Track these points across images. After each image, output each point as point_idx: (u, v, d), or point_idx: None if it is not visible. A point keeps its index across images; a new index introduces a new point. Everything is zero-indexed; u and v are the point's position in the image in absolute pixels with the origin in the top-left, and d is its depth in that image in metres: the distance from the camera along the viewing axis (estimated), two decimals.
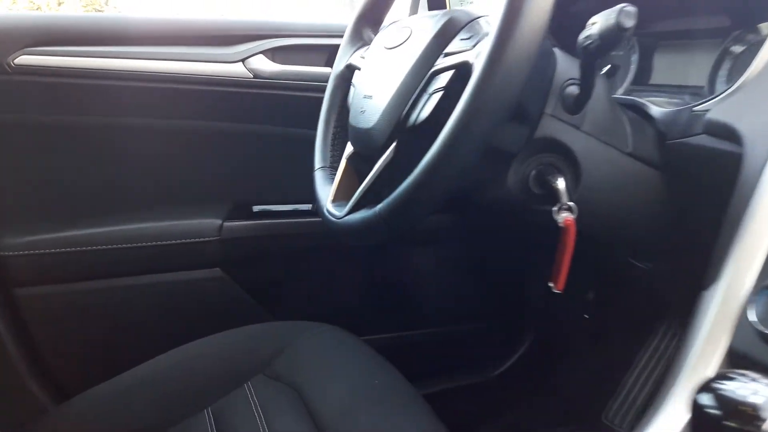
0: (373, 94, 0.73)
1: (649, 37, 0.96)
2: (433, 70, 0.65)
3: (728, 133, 0.63)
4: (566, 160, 0.73)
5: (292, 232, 1.24)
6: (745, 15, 0.79)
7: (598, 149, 0.74)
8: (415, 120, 0.66)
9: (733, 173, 0.59)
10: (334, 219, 0.74)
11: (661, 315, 1.17)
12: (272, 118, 1.21)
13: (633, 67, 0.98)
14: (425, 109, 0.65)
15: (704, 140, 0.70)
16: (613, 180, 0.75)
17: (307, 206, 1.29)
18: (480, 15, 0.66)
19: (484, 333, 1.49)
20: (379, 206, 0.64)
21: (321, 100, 1.21)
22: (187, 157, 1.18)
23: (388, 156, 0.70)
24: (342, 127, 0.93)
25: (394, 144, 0.69)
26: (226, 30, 1.16)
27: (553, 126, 0.69)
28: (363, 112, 0.74)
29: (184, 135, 1.16)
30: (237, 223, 1.18)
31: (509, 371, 1.49)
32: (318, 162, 0.89)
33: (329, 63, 1.22)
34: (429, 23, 0.69)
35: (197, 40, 1.14)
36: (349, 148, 0.82)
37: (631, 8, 0.56)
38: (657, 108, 0.78)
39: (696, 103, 0.72)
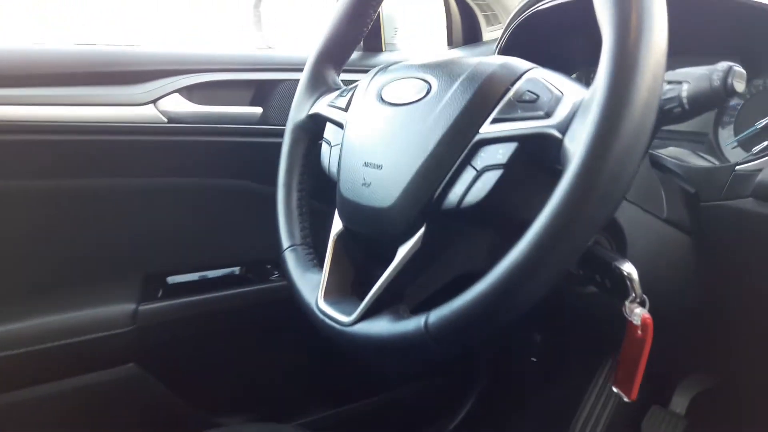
0: (384, 164, 0.57)
1: None
2: (478, 139, 0.51)
3: None
4: (611, 233, 0.62)
5: (218, 307, 1.02)
6: (752, 59, 0.73)
7: (639, 218, 0.64)
8: (458, 202, 0.51)
9: None
10: (339, 326, 0.57)
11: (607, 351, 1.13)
12: (190, 168, 0.99)
13: None
14: (475, 190, 0.50)
15: (750, 204, 0.62)
16: (650, 250, 0.66)
17: (234, 269, 1.09)
18: (530, 68, 0.53)
19: (430, 393, 1.37)
20: (428, 317, 0.48)
21: (247, 145, 1.02)
22: (86, 223, 0.93)
23: (415, 245, 0.54)
24: (305, 191, 0.75)
25: (422, 230, 0.54)
26: (131, 64, 0.92)
27: None
28: (368, 185, 0.58)
29: (80, 197, 0.92)
30: (154, 305, 0.95)
31: (461, 427, 1.38)
32: (285, 240, 0.71)
33: (256, 101, 1.03)
34: (459, 75, 0.55)
35: (94, 78, 0.89)
36: (337, 226, 0.65)
37: (741, 68, 0.46)
38: (684, 164, 0.70)
39: (739, 162, 0.64)
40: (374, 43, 1.21)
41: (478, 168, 0.50)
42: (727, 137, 0.77)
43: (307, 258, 0.69)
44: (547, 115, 0.47)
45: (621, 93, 0.41)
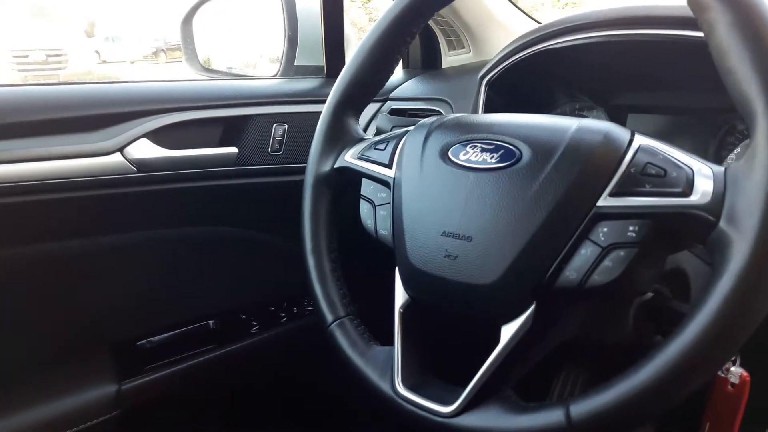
0: (474, 235, 0.52)
1: (618, 109, 0.92)
2: (597, 212, 0.48)
3: None
4: (677, 283, 0.62)
5: (199, 371, 0.92)
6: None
7: (698, 265, 0.65)
8: (581, 281, 0.48)
9: None
10: (438, 418, 0.52)
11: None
12: (162, 219, 0.88)
13: None
14: (603, 268, 0.47)
15: None
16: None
17: (208, 322, 0.98)
18: (632, 136, 0.50)
19: None
20: (569, 409, 0.45)
21: (224, 189, 0.92)
22: (50, 292, 0.79)
23: (523, 325, 0.50)
24: (336, 251, 0.68)
25: (532, 308, 0.50)
26: (90, 106, 0.79)
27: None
28: (453, 257, 0.53)
29: (42, 262, 0.77)
30: (136, 382, 0.83)
31: None
32: (328, 313, 0.64)
33: (228, 140, 0.93)
34: (557, 144, 0.51)
35: (50, 126, 0.75)
36: (402, 297, 0.59)
37: None
38: None
39: None
40: (336, 66, 1.14)
41: (604, 244, 0.47)
42: None
43: (359, 332, 0.62)
44: (686, 193, 0.45)
45: None
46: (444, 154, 0.57)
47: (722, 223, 0.42)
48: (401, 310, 0.58)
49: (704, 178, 0.45)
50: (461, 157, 0.56)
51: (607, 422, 0.44)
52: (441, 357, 0.60)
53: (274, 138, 0.97)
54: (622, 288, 0.47)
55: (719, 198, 0.43)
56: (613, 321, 0.57)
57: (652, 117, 0.88)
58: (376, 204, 0.63)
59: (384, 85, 0.72)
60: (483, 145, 0.55)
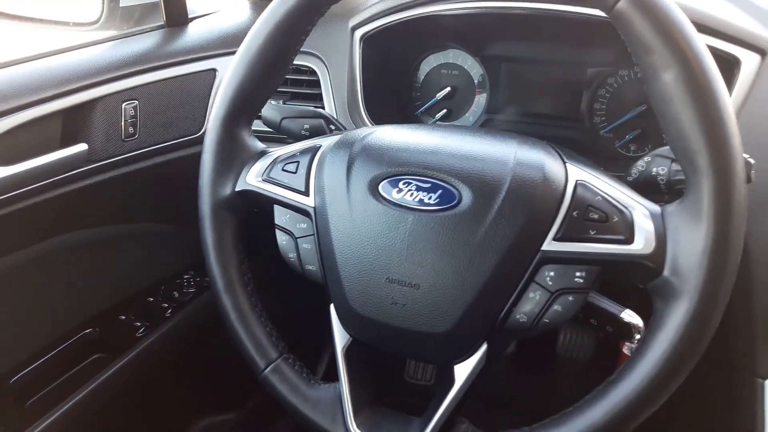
0: (422, 283, 0.51)
1: (493, 59, 0.91)
2: (543, 256, 0.48)
3: None
4: None
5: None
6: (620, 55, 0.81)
7: None
8: (532, 324, 0.50)
9: None
10: None
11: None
12: (20, 241, 0.74)
13: (480, 92, 0.92)
14: (552, 312, 0.49)
15: None
16: None
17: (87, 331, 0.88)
18: (569, 172, 0.50)
19: None
20: None
21: (76, 194, 0.77)
22: None
23: (477, 365, 0.52)
24: (252, 284, 0.63)
25: (484, 348, 0.51)
26: None
27: None
28: (401, 305, 0.52)
29: None
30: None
31: None
32: (259, 359, 0.59)
33: (69, 138, 0.77)
34: (497, 186, 0.49)
35: None
36: (343, 337, 0.57)
37: (754, 160, 0.52)
38: None
39: None
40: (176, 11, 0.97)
41: (552, 289, 0.49)
42: (600, 124, 0.86)
43: (298, 372, 0.59)
44: (628, 240, 0.47)
45: (726, 240, 0.43)
46: (374, 189, 0.53)
47: (666, 273, 0.46)
48: (344, 351, 0.57)
49: (643, 220, 0.47)
50: (395, 195, 0.52)
51: None
52: (391, 388, 0.60)
53: (125, 121, 0.82)
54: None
55: (661, 247, 0.46)
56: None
57: (526, 67, 0.90)
58: (296, 236, 0.58)
59: (278, 86, 0.64)
60: (418, 183, 0.52)
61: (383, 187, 0.53)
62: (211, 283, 0.61)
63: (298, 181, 0.58)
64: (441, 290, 0.50)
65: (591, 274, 0.48)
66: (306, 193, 0.57)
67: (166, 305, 0.96)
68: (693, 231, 0.44)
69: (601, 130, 0.86)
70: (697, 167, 0.44)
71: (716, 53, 0.69)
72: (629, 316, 0.62)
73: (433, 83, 0.95)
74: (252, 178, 0.60)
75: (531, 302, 0.49)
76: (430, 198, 0.51)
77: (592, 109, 0.86)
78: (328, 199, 0.55)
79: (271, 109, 0.72)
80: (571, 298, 0.49)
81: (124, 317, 0.92)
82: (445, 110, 0.95)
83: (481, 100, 0.93)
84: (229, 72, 0.60)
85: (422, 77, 0.96)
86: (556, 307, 0.49)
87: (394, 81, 0.94)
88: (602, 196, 0.49)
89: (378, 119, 0.87)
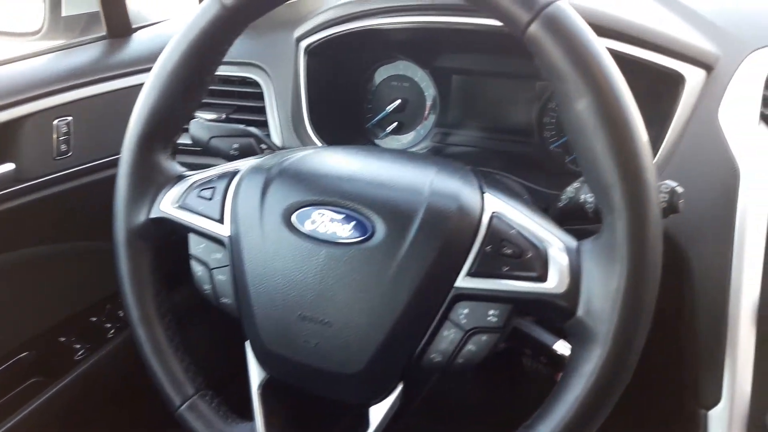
0: (334, 321, 0.48)
1: (443, 71, 0.88)
2: (456, 293, 0.46)
3: None
4: None
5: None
6: None
7: None
8: (446, 363, 0.47)
9: None
10: None
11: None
12: None
13: (431, 105, 0.90)
14: (467, 352, 0.46)
15: None
16: None
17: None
18: (485, 204, 0.47)
19: None
20: None
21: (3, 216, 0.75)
22: None
23: (392, 406, 0.49)
24: (169, 315, 0.60)
25: (399, 389, 0.49)
26: None
27: None
28: (313, 344, 0.49)
29: None
30: None
31: None
32: (174, 395, 0.56)
33: None
34: (411, 218, 0.47)
35: None
36: (258, 374, 0.54)
37: (682, 189, 0.49)
38: None
39: None
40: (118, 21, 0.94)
41: (466, 328, 0.46)
42: (550, 138, 0.84)
43: (214, 410, 0.57)
44: (542, 278, 0.44)
45: (641, 280, 0.41)
46: (287, 219, 0.50)
47: (580, 314, 0.43)
48: (261, 391, 0.54)
49: (559, 256, 0.45)
50: (308, 226, 0.50)
51: None
52: (309, 425, 0.57)
53: (58, 139, 0.79)
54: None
55: (575, 286, 0.44)
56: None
57: (477, 80, 0.87)
58: (211, 267, 0.55)
59: (197, 107, 0.61)
60: (332, 214, 0.49)
61: (297, 218, 0.50)
62: (126, 314, 0.58)
63: (213, 209, 0.55)
64: (353, 329, 0.48)
65: (503, 312, 0.46)
66: (221, 221, 0.54)
67: (110, 325, 0.93)
68: (606, 270, 0.42)
69: (551, 144, 0.83)
70: (610, 203, 0.41)
71: (659, 70, 0.67)
72: (563, 347, 0.59)
73: (384, 95, 0.92)
74: (167, 205, 0.57)
75: (445, 341, 0.47)
76: (343, 230, 0.48)
77: (541, 123, 0.83)
78: (241, 229, 0.52)
79: (199, 128, 0.69)
80: (484, 338, 0.46)
81: (63, 339, 0.89)
82: (396, 123, 0.92)
83: (432, 113, 0.90)
84: (142, 93, 0.57)
85: (374, 89, 0.93)
86: (470, 346, 0.46)
87: (343, 93, 0.92)
88: (517, 230, 0.46)
89: (325, 134, 0.84)
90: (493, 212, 0.47)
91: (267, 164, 0.55)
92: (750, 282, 0.62)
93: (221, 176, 0.57)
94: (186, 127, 0.65)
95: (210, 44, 0.55)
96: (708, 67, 0.67)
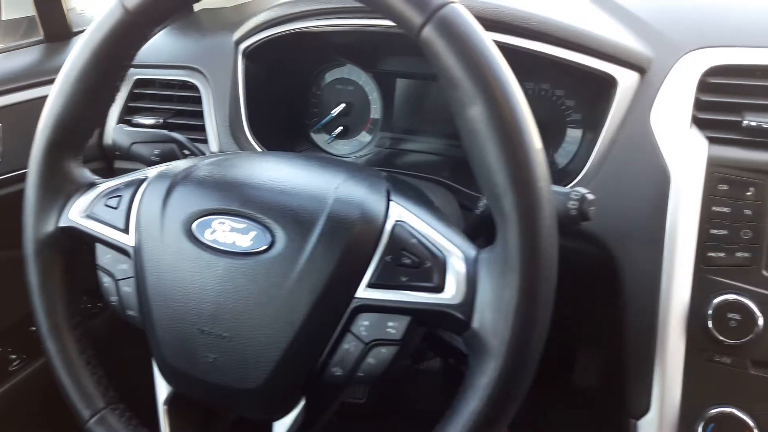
0: (232, 335, 0.46)
1: (386, 75, 0.87)
2: (356, 305, 0.44)
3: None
4: None
5: None
6: None
7: None
8: (347, 376, 0.45)
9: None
10: None
11: None
12: None
13: (376, 109, 0.88)
14: (367, 366, 0.45)
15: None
16: None
17: None
18: (388, 212, 0.46)
19: None
20: None
21: None
22: None
23: (296, 421, 0.47)
24: (80, 327, 0.58)
25: (302, 404, 0.47)
26: None
27: None
28: (212, 360, 0.47)
29: None
30: None
31: None
32: (83, 409, 0.54)
33: None
34: (312, 226, 0.45)
35: None
36: (164, 389, 0.52)
37: (593, 196, 0.48)
38: None
39: None
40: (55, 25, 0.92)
41: (366, 340, 0.44)
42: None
43: (124, 423, 0.55)
44: (439, 288, 0.43)
45: (534, 292, 0.39)
46: (188, 229, 0.48)
47: (475, 326, 0.42)
48: (168, 407, 0.52)
49: (457, 265, 0.43)
50: (207, 235, 0.48)
51: None
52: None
53: None
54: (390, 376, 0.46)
55: (471, 297, 0.42)
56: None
57: (420, 83, 0.85)
58: (117, 278, 0.53)
59: (107, 113, 0.59)
60: (233, 223, 0.47)
61: (197, 227, 0.48)
62: (36, 326, 0.56)
63: (119, 218, 0.53)
64: (251, 343, 0.46)
65: (402, 323, 0.44)
66: (126, 231, 0.52)
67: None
68: (499, 281, 0.40)
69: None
70: (502, 212, 0.40)
71: (591, 73, 0.66)
72: None
73: (330, 100, 0.91)
74: (75, 214, 0.55)
75: (346, 354, 0.45)
76: (243, 239, 0.47)
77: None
78: (143, 238, 0.51)
79: (120, 134, 0.67)
80: (384, 351, 0.44)
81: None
82: (341, 127, 0.90)
83: (376, 116, 0.89)
84: (48, 101, 0.55)
85: (320, 93, 0.91)
86: (370, 359, 0.45)
87: (286, 98, 0.90)
88: (418, 239, 0.45)
89: (265, 139, 0.83)
90: (396, 220, 0.46)
91: (173, 171, 0.53)
92: (680, 288, 0.60)
93: (128, 184, 0.55)
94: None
95: (115, 49, 0.53)
96: (641, 70, 0.66)
